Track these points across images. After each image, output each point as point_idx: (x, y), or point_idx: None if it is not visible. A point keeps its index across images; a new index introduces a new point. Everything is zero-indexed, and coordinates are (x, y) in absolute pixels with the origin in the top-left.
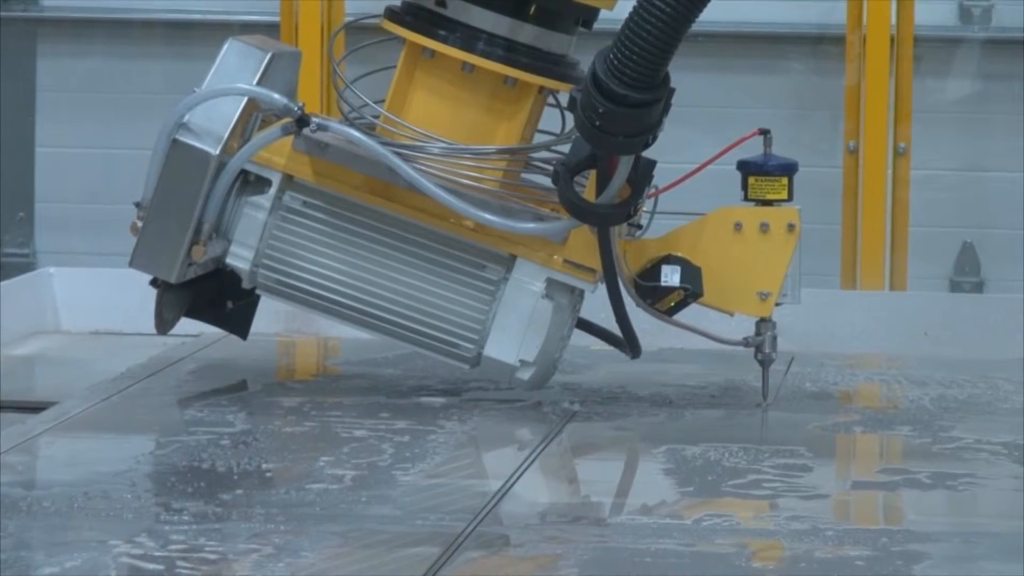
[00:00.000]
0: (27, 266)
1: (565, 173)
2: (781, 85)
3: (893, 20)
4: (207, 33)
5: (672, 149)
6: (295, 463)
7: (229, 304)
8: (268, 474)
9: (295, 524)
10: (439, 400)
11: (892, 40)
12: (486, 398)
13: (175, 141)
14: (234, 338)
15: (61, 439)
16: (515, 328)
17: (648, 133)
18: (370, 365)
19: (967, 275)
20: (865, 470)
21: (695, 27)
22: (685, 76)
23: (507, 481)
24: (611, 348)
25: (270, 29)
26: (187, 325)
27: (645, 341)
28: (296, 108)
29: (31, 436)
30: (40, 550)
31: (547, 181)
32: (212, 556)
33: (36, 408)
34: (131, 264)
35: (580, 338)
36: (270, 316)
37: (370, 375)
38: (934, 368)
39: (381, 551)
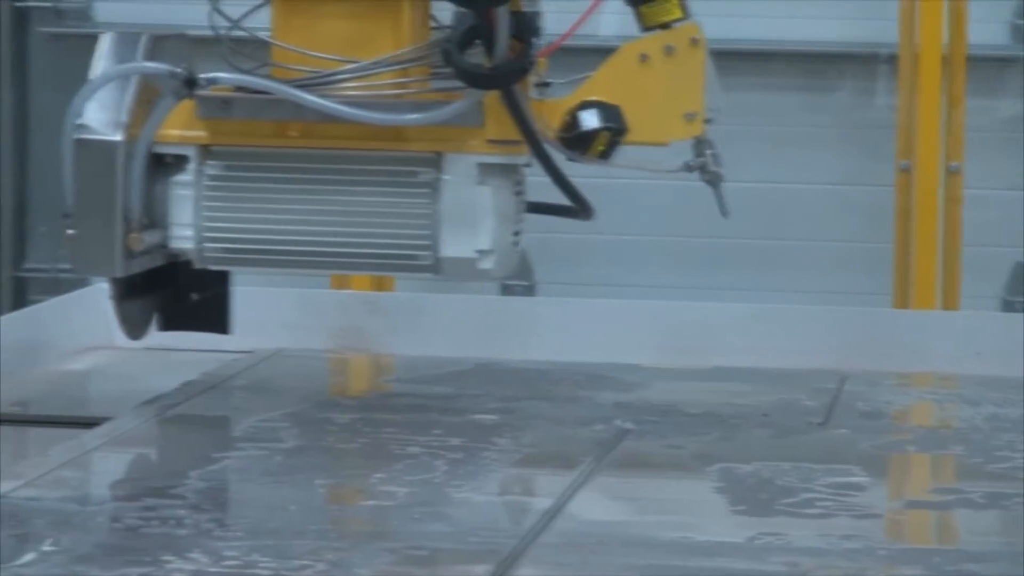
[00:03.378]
0: (80, 281)
1: (453, 47)
2: (833, 104)
3: (945, 39)
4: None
5: (726, 169)
6: (348, 480)
7: (194, 296)
8: (321, 491)
9: (348, 541)
10: (492, 417)
11: (944, 59)
12: (538, 416)
13: (76, 141)
14: (286, 355)
15: (114, 454)
16: (463, 222)
17: None
18: (423, 382)
19: (1020, 294)
20: (918, 489)
21: (747, 45)
22: (736, 94)
23: (560, 499)
24: (661, 365)
25: None
26: (241, 341)
27: (697, 358)
28: (179, 70)
29: (84, 451)
30: (94, 565)
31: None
32: (265, 572)
33: (89, 423)
34: (73, 270)
35: (631, 357)
36: (322, 333)
37: (423, 392)
38: (987, 387)
39: (434, 568)
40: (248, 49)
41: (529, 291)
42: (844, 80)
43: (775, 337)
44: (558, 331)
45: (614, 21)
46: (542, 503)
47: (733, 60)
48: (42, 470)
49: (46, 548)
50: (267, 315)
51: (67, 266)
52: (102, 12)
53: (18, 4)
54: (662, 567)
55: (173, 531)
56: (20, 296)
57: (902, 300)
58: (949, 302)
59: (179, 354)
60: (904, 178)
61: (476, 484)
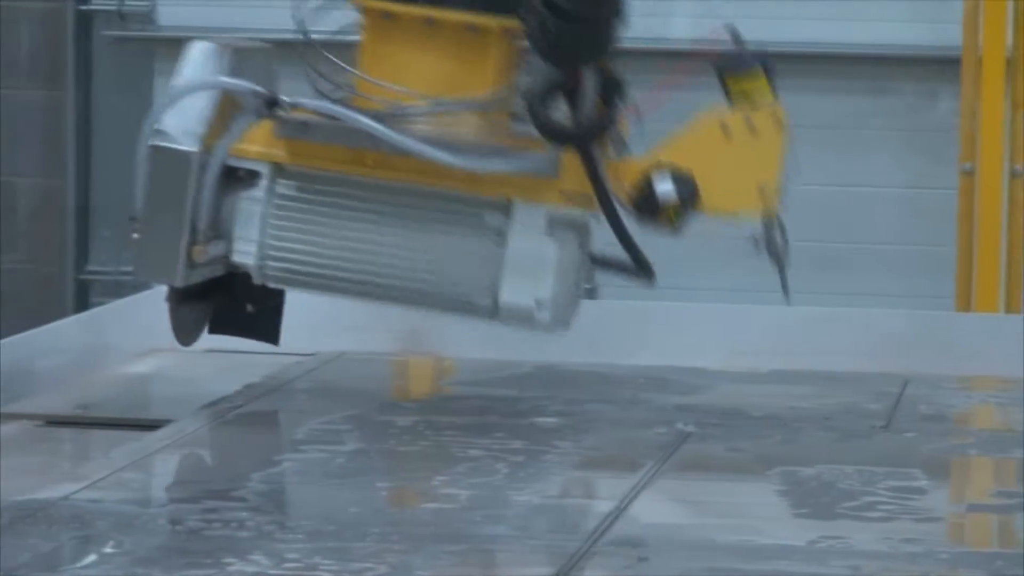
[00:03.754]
0: (145, 284)
1: (534, 100)
2: (894, 106)
3: (1009, 41)
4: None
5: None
6: (409, 482)
7: (249, 307)
8: (382, 493)
9: (410, 543)
10: (553, 420)
11: (1008, 61)
12: (600, 418)
13: (152, 148)
14: (349, 358)
15: (176, 456)
16: (525, 270)
17: (603, 43)
18: (484, 385)
19: None
20: (980, 493)
21: (808, 47)
22: (797, 96)
23: (621, 502)
24: (723, 368)
25: None
26: (303, 343)
27: (759, 361)
28: (263, 90)
29: (146, 454)
30: (155, 567)
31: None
32: (327, 574)
33: (151, 426)
34: (135, 275)
35: (693, 360)
36: (384, 335)
37: (484, 395)
38: None
39: (495, 570)
40: (329, 66)
41: (591, 294)
42: (907, 83)
43: (837, 340)
44: (620, 334)
45: (682, 24)
46: (603, 506)
47: (797, 63)
48: (104, 472)
49: (108, 550)
50: (329, 318)
51: (130, 268)
52: (165, 16)
53: (82, 7)
54: (723, 570)
55: (235, 533)
56: (83, 298)
57: (964, 303)
58: (1012, 305)
59: (241, 357)
60: (967, 181)
61: (537, 487)
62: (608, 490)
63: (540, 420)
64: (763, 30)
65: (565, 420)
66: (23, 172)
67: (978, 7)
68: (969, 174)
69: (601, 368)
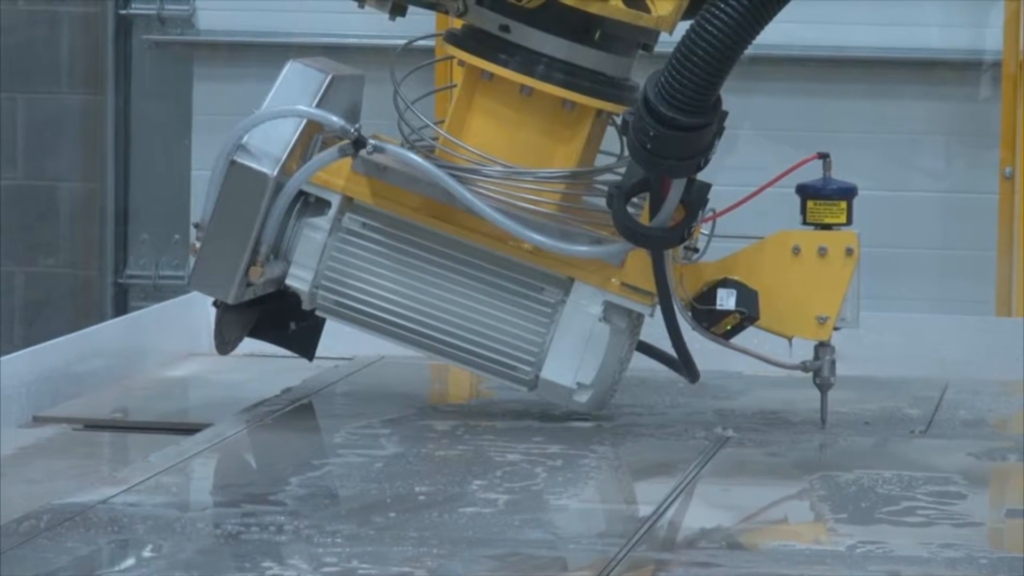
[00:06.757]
0: (183, 288)
1: (619, 196)
2: (935, 111)
3: None
4: (362, 57)
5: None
6: (448, 486)
7: (292, 325)
8: (421, 497)
9: (448, 547)
10: (591, 424)
11: None
12: (639, 423)
13: (233, 162)
14: (387, 362)
15: (214, 461)
16: (572, 351)
17: (700, 156)
18: None
19: None
20: (1019, 498)
21: (850, 51)
22: (839, 101)
23: (660, 506)
24: (759, 372)
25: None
26: (342, 347)
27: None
28: (352, 130)
29: (185, 458)
30: (194, 571)
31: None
32: None
33: (190, 430)
34: (189, 286)
35: (731, 364)
36: None
37: (522, 399)
38: None
39: (533, 574)
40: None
41: None
42: (947, 87)
43: (877, 344)
44: (660, 339)
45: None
46: (642, 510)
47: (839, 67)
48: (143, 476)
49: (146, 554)
50: None
51: (168, 272)
52: (205, 20)
53: (122, 12)
54: (761, 575)
55: (273, 537)
56: (121, 302)
57: (1005, 307)
58: None
59: (279, 361)
60: (1008, 185)
61: (575, 491)
62: (647, 495)
63: (578, 424)
64: (807, 34)
65: (603, 424)
66: (63, 176)
67: (1019, 12)
68: (1009, 179)
69: (640, 372)
